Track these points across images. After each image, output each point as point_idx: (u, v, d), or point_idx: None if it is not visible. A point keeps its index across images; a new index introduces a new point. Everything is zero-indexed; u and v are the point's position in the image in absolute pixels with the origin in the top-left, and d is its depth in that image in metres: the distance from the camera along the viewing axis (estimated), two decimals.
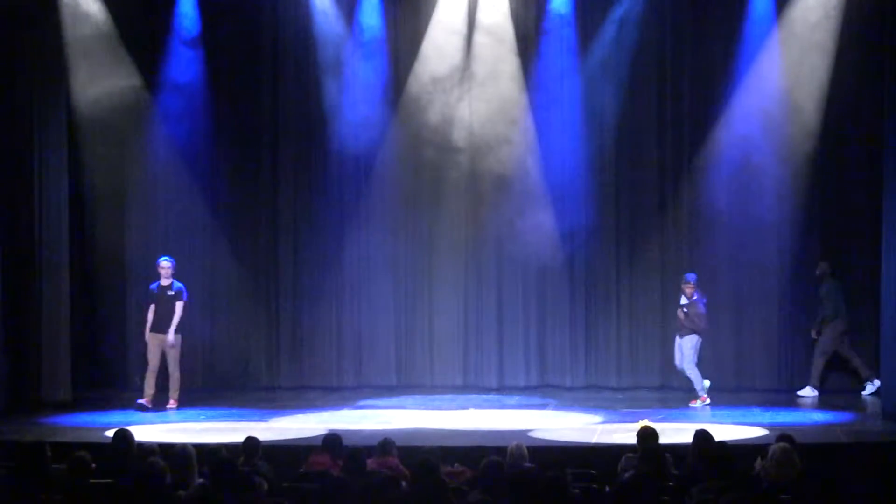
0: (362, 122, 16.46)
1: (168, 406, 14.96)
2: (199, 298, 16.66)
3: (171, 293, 14.99)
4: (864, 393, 15.53)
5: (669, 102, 16.31)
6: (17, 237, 15.34)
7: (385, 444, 9.91)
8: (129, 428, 12.10)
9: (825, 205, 16.00)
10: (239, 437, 10.26)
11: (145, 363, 15.36)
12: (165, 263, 15.08)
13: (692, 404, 14.87)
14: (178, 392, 15.03)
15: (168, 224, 16.84)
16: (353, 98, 16.48)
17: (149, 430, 13.16)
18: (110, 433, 12.93)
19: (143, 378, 15.10)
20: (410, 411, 14.90)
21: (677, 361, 15.18)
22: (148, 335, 15.05)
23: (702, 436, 9.37)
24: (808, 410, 14.62)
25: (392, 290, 16.78)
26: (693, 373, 15.01)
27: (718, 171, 16.01)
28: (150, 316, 15.02)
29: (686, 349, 15.06)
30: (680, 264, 16.27)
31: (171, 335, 14.92)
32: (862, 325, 15.66)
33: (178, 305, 14.97)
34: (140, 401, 14.86)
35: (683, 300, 15.13)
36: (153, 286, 15.10)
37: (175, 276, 15.09)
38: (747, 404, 14.96)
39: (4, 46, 15.25)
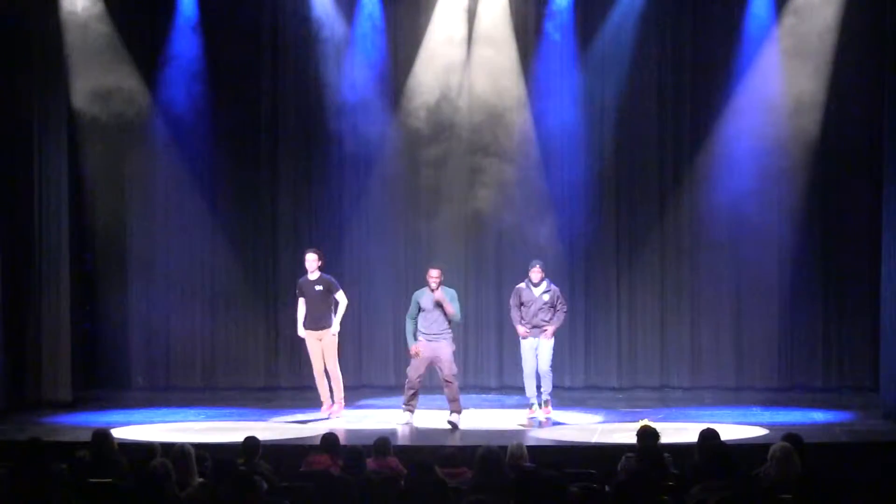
0: (362, 119, 16.42)
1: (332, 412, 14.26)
2: (199, 297, 16.69)
3: (318, 287, 14.15)
4: None
5: (670, 100, 16.30)
6: (17, 237, 15.35)
7: (381, 444, 9.89)
8: (129, 428, 12.08)
9: (825, 205, 16.00)
10: (239, 437, 10.24)
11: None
12: (311, 256, 14.22)
13: (538, 415, 13.94)
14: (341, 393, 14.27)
15: (168, 224, 16.82)
16: (353, 94, 16.44)
17: (149, 430, 13.16)
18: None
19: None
20: None
21: (540, 366, 13.95)
22: (303, 332, 14.30)
23: (708, 434, 9.35)
24: (809, 410, 14.61)
25: (392, 289, 16.75)
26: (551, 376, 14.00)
27: (719, 169, 16.01)
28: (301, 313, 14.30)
29: (548, 349, 14.01)
30: (680, 263, 16.27)
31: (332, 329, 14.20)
32: (862, 325, 15.66)
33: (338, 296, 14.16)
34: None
35: (540, 290, 13.88)
36: (301, 280, 14.36)
37: (321, 268, 14.18)
38: (747, 404, 14.97)
39: (5, 46, 15.25)
